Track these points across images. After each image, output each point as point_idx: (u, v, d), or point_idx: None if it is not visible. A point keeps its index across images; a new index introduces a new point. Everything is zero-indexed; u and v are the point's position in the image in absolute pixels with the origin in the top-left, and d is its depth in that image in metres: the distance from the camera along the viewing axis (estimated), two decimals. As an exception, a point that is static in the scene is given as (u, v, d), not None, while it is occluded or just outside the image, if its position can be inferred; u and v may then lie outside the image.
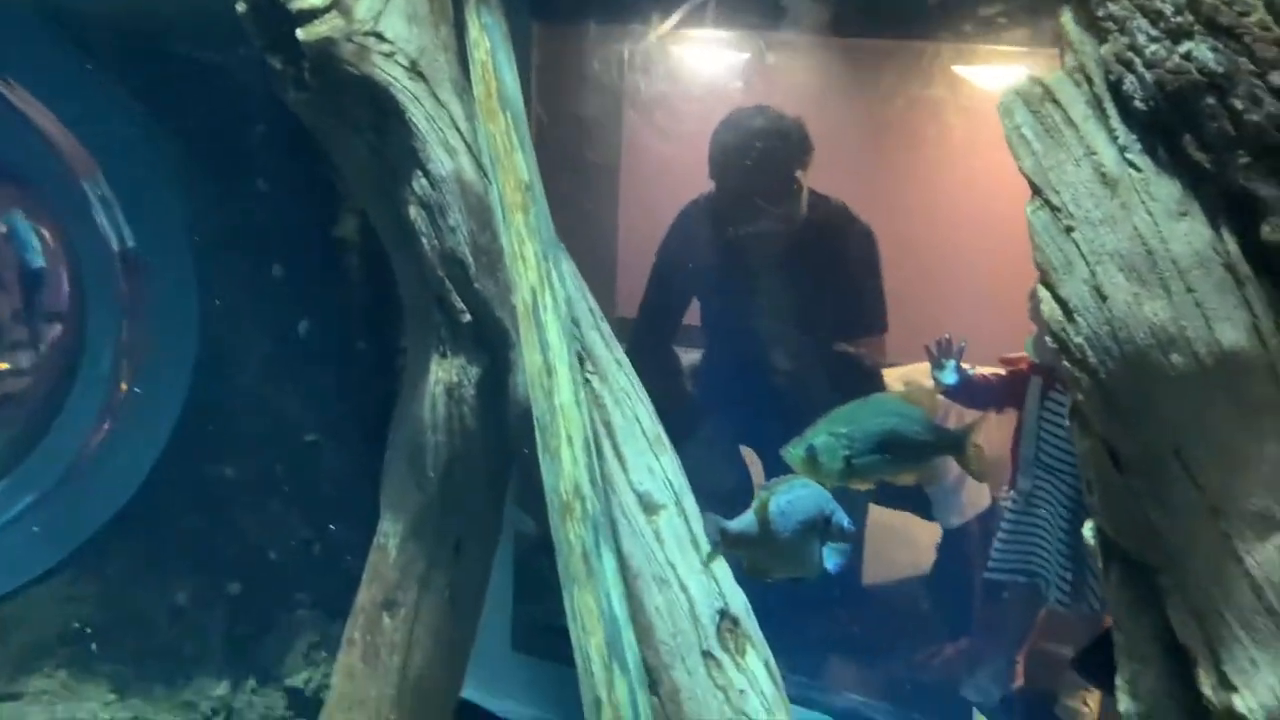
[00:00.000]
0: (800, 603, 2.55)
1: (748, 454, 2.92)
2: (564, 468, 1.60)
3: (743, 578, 1.81)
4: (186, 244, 2.34)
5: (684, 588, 1.77)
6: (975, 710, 1.68)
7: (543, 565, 2.81)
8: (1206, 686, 1.14)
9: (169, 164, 2.28)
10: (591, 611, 1.55)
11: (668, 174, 2.87)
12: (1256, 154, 1.01)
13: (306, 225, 2.35)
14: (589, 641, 1.55)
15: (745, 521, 1.56)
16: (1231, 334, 1.06)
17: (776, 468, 2.86)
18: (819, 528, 1.55)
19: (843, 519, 1.55)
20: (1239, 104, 1.00)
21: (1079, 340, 1.09)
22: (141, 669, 2.36)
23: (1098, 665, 1.45)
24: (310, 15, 1.61)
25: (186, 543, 2.42)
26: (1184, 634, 1.15)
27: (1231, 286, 1.05)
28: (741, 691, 1.74)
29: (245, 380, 2.40)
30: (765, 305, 2.67)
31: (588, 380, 1.78)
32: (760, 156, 2.48)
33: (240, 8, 1.67)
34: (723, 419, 2.82)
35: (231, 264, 2.36)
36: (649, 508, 1.81)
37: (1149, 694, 1.19)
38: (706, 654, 1.75)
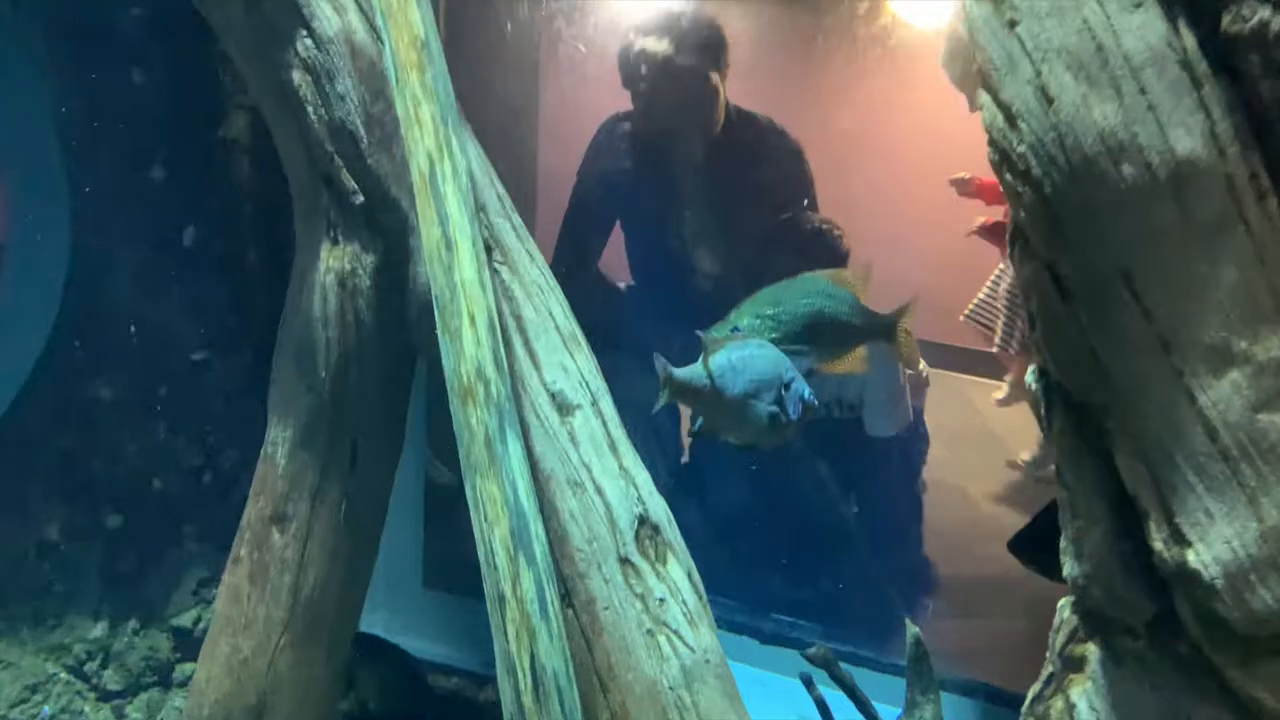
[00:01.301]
0: (723, 520, 2.47)
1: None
2: (465, 348, 1.46)
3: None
4: (55, 143, 2.13)
5: (600, 491, 1.64)
6: (908, 621, 1.58)
7: (457, 510, 2.70)
8: (1158, 541, 1.06)
9: (32, 53, 2.06)
10: (495, 500, 1.42)
11: (588, 98, 2.73)
12: (1218, -68, 0.92)
13: (190, 123, 2.15)
14: (492, 532, 1.41)
15: (692, 371, 1.44)
16: (1186, 141, 0.96)
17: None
18: (773, 391, 1.42)
19: (803, 388, 1.43)
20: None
21: (1022, 149, 0.98)
22: (6, 610, 2.15)
23: (1035, 546, 1.37)
24: None
25: (58, 470, 2.21)
26: (1132, 483, 1.06)
27: (1188, 87, 0.96)
28: (661, 600, 1.62)
29: (124, 292, 2.20)
30: (691, 222, 2.55)
31: (496, 271, 1.64)
32: (672, 56, 2.35)
33: None
34: (651, 343, 2.70)
35: (106, 165, 2.15)
36: (563, 408, 1.68)
37: (1095, 553, 1.10)
38: (624, 561, 1.63)
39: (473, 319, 1.47)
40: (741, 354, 1.43)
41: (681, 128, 2.43)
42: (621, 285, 2.84)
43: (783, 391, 1.43)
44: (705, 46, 2.38)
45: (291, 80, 1.59)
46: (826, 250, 2.23)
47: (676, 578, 1.64)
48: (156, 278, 2.21)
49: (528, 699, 1.36)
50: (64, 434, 2.22)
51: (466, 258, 1.49)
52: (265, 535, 1.80)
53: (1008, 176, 1.00)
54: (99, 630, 2.21)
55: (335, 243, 1.70)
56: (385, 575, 2.48)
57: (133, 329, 2.21)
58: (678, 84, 2.38)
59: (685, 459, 2.66)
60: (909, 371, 2.50)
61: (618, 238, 2.74)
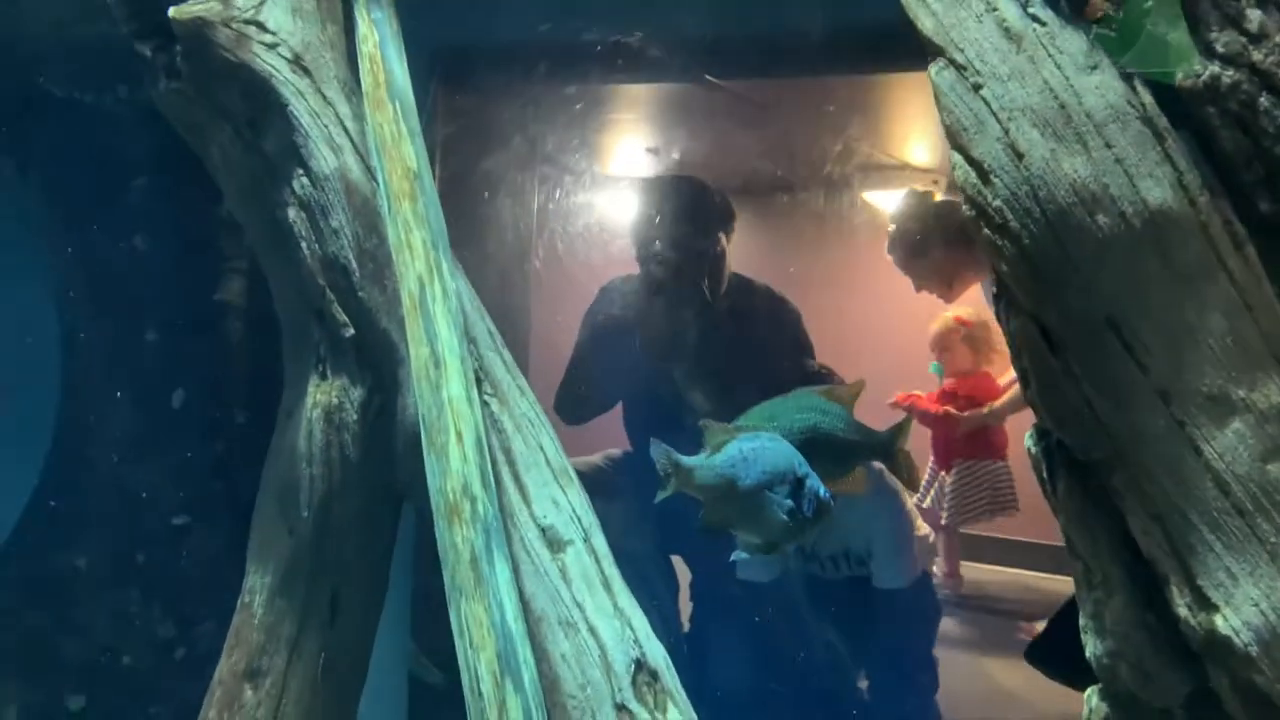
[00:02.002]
0: (727, 692, 2.33)
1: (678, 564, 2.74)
2: (451, 465, 1.43)
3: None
4: (50, 308, 2.16)
5: (594, 631, 1.56)
6: None
7: (447, 709, 2.56)
8: (1182, 607, 1.00)
9: (34, 220, 2.13)
10: (481, 623, 1.34)
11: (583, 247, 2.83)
12: (1162, -5, 0.98)
13: (187, 286, 2.20)
14: (478, 658, 1.33)
15: (701, 460, 1.38)
16: (1157, 191, 0.99)
17: (707, 575, 2.70)
18: (787, 486, 1.36)
19: (818, 485, 1.37)
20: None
21: (997, 203, 1.00)
22: (-42, 798, 1.99)
23: (1054, 652, 1.29)
24: (186, -3, 1.54)
25: (21, 648, 2.10)
26: (1147, 545, 1.02)
27: (1151, 141, 0.99)
28: (661, 751, 1.51)
29: (108, 456, 2.16)
30: (694, 381, 2.57)
31: (486, 403, 1.63)
32: (690, 226, 2.46)
33: (110, -9, 1.60)
34: (649, 524, 2.65)
35: (103, 330, 2.18)
36: (554, 544, 1.62)
37: (1117, 626, 1.04)
38: (621, 707, 1.52)
39: (460, 436, 1.45)
40: (753, 445, 1.40)
41: (690, 292, 2.50)
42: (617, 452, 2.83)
43: (797, 487, 1.38)
44: (716, 213, 2.48)
45: (287, 217, 1.64)
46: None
47: (677, 727, 1.54)
48: (142, 441, 2.19)
49: (515, 840, 1.24)
50: (32, 608, 2.13)
51: (455, 375, 1.48)
52: (238, 692, 1.69)
53: (985, 232, 1.01)
54: (49, 823, 2.03)
55: (324, 377, 1.69)
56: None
57: (113, 495, 2.15)
58: (691, 251, 2.47)
59: (686, 628, 2.56)
60: (918, 534, 2.45)
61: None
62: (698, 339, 2.59)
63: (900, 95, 2.61)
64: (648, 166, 3.03)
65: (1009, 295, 1.03)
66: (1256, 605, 0.97)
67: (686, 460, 1.39)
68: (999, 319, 1.06)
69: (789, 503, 1.37)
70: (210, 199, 2.19)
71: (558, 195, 2.81)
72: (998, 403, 3.05)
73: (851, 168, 2.90)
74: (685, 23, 2.00)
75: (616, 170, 3.01)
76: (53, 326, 2.14)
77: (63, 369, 2.15)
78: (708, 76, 2.15)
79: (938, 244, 2.55)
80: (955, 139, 1.02)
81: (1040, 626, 1.55)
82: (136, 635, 2.17)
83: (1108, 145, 0.99)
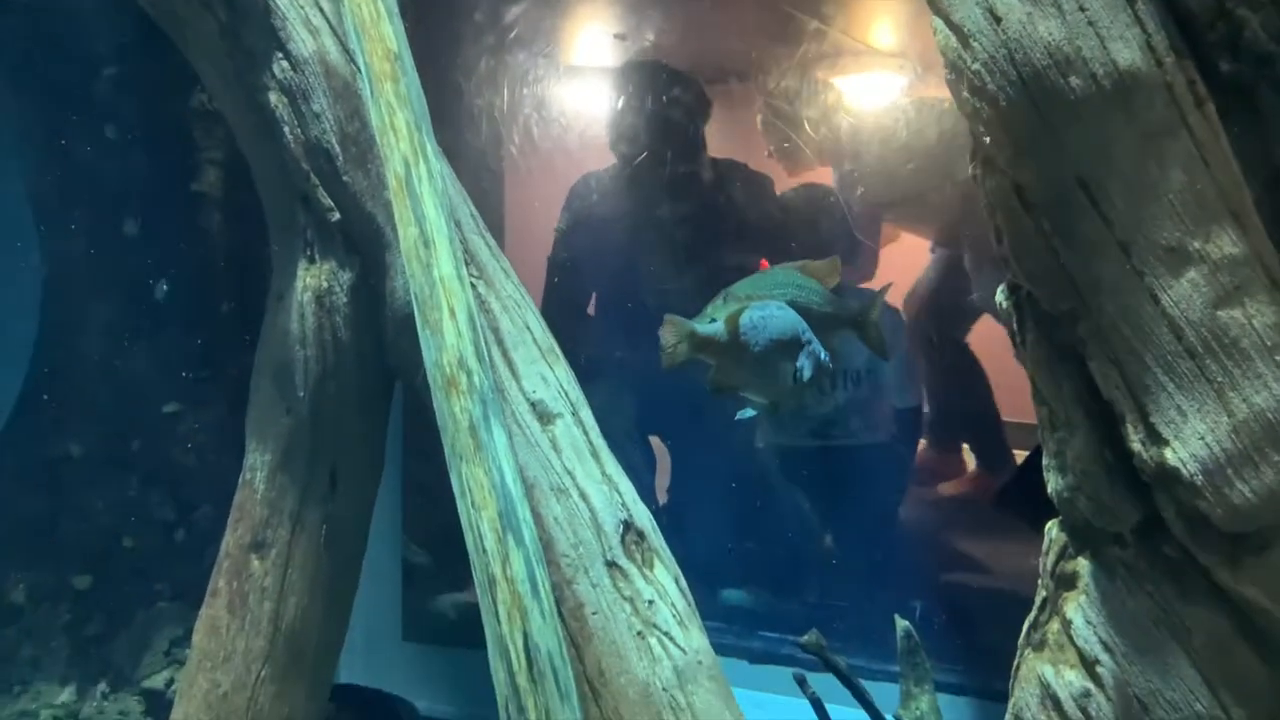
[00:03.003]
0: (705, 549, 2.45)
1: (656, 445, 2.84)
2: (447, 340, 1.48)
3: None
4: (26, 202, 2.16)
5: (584, 496, 1.65)
6: (897, 617, 1.59)
7: (433, 574, 2.67)
8: (1136, 442, 1.09)
9: (2, 110, 2.11)
10: (482, 484, 1.41)
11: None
12: None
13: (163, 178, 2.19)
14: (480, 517, 1.41)
15: (714, 327, 1.47)
16: (1126, 53, 1.03)
17: (686, 457, 2.80)
18: (792, 351, 1.47)
19: (819, 349, 1.48)
20: None
21: (976, 66, 1.05)
22: (-31, 676, 2.07)
23: (1023, 497, 1.39)
24: (156, -126, 1.51)
25: (25, 532, 2.16)
26: (1107, 387, 1.10)
27: (1122, 4, 1.04)
28: (650, 602, 1.62)
29: (94, 347, 2.19)
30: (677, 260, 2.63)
31: (473, 284, 1.67)
32: (668, 116, 2.48)
33: None
34: (628, 407, 2.73)
35: (79, 222, 2.18)
36: (543, 416, 1.70)
37: (1077, 462, 1.13)
38: (611, 564, 1.63)
39: (453, 312, 1.49)
40: (764, 313, 1.49)
41: (669, 176, 2.53)
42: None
43: (801, 351, 1.48)
44: (689, 97, 2.50)
45: (268, 102, 1.64)
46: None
47: (664, 581, 1.64)
48: (128, 332, 2.21)
49: (522, 679, 1.33)
50: (31, 494, 2.18)
51: (444, 255, 1.52)
52: (244, 563, 1.76)
53: (965, 94, 1.06)
54: (66, 695, 2.12)
55: (312, 261, 1.72)
56: (364, 628, 2.44)
57: (104, 384, 2.19)
58: (666, 137, 2.49)
59: (663, 501, 2.67)
60: None
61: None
62: (678, 221, 2.63)
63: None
64: (617, 53, 3.01)
65: (985, 156, 1.08)
66: (1202, 439, 1.06)
67: (700, 327, 1.48)
68: (974, 178, 1.12)
69: (793, 365, 1.46)
70: (182, 90, 2.18)
71: (529, 82, 2.80)
72: None
73: (820, 52, 2.90)
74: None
75: (586, 57, 2.99)
76: (29, 221, 2.14)
77: (43, 262, 2.15)
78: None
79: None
80: (936, 4, 1.06)
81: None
82: (136, 518, 2.24)
83: (1081, 8, 1.03)
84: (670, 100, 2.58)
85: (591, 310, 2.86)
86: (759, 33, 2.76)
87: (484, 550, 1.39)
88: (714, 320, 1.58)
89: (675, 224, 2.65)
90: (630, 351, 2.66)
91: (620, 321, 2.79)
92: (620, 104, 2.64)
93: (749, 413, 1.58)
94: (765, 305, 1.50)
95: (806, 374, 1.47)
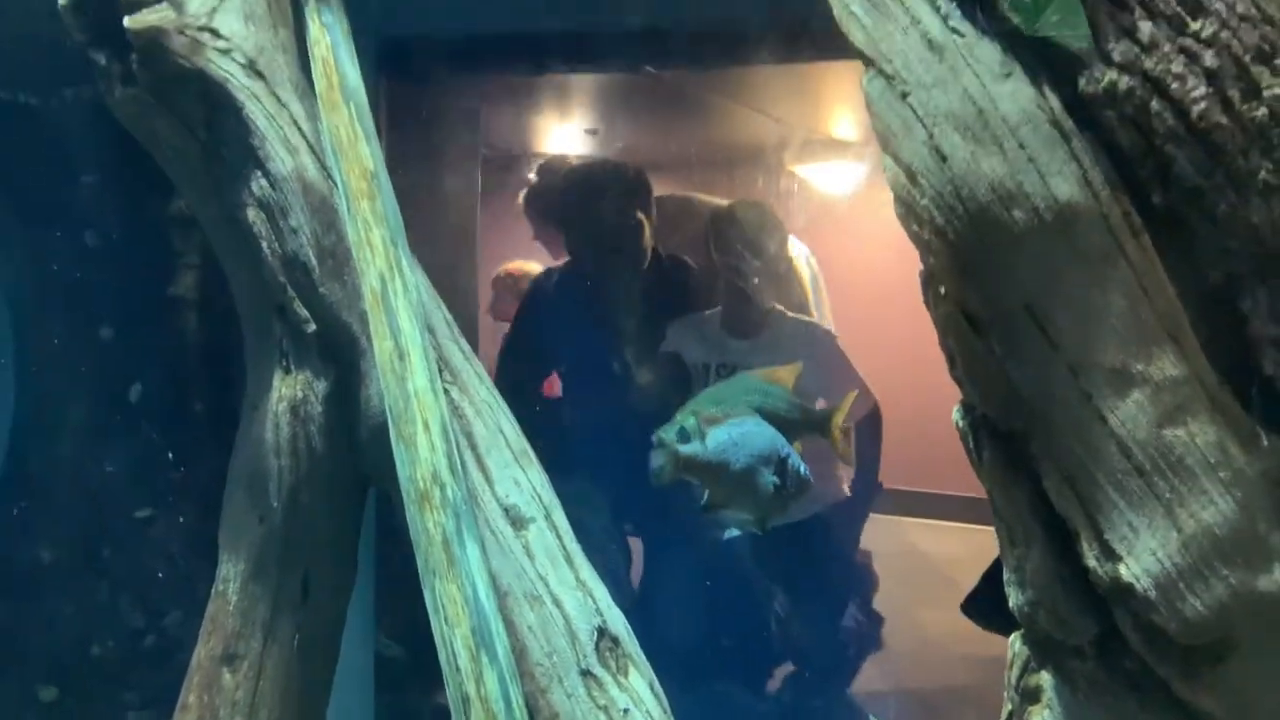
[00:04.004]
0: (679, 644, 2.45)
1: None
2: (420, 454, 1.51)
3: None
4: (4, 307, 2.18)
5: (558, 603, 1.66)
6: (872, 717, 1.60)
7: (407, 678, 2.65)
8: (1091, 559, 1.12)
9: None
10: (455, 600, 1.43)
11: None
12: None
13: (140, 282, 2.22)
14: (454, 634, 1.42)
15: (696, 448, 1.51)
16: (1065, 187, 1.09)
17: (657, 541, 2.81)
18: (772, 465, 1.51)
19: (799, 462, 1.52)
20: (1043, -16, 1.08)
21: (924, 202, 1.10)
22: (-69, 793, 2.03)
23: (987, 605, 1.41)
24: (138, 5, 1.57)
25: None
26: (1061, 504, 1.13)
27: (1059, 141, 1.10)
28: (625, 710, 1.62)
29: (68, 451, 2.20)
30: (626, 360, 2.68)
31: (446, 390, 1.70)
32: (607, 200, 2.56)
33: (61, 1, 1.62)
34: (601, 498, 2.76)
35: (56, 327, 2.20)
36: (516, 522, 1.71)
37: (1035, 578, 1.16)
38: (586, 673, 1.63)
39: (426, 425, 1.52)
40: (741, 430, 1.53)
41: (612, 263, 2.60)
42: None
43: (781, 464, 1.52)
44: (631, 189, 2.59)
45: (246, 218, 1.69)
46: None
47: (639, 688, 1.64)
48: (102, 436, 2.22)
49: (496, 797, 1.33)
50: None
51: (419, 367, 1.55)
52: (215, 676, 1.75)
53: (914, 228, 1.11)
54: (31, 811, 2.08)
55: (287, 371, 1.75)
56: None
57: (75, 488, 2.19)
58: (607, 220, 2.58)
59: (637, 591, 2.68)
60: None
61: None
62: (624, 312, 2.71)
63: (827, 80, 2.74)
64: (587, 148, 3.12)
65: (935, 285, 1.13)
66: (1154, 554, 1.09)
67: (683, 448, 1.52)
68: (927, 305, 1.16)
69: (776, 480, 1.50)
70: (159, 195, 2.22)
71: (500, 178, 2.89)
72: None
73: (781, 144, 3.02)
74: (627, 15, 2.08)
75: (557, 153, 3.09)
76: (7, 325, 2.16)
77: (17, 366, 2.17)
78: (647, 68, 2.24)
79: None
80: (885, 143, 1.11)
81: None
82: (105, 625, 2.22)
83: (1021, 146, 1.09)
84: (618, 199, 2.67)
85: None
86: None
87: (458, 669, 1.40)
88: (682, 428, 1.62)
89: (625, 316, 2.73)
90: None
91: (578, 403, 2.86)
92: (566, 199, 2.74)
93: (735, 532, 1.63)
94: (742, 421, 1.55)
95: (792, 487, 1.51)
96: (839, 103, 3.05)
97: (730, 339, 2.63)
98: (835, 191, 3.55)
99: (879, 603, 2.82)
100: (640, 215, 2.61)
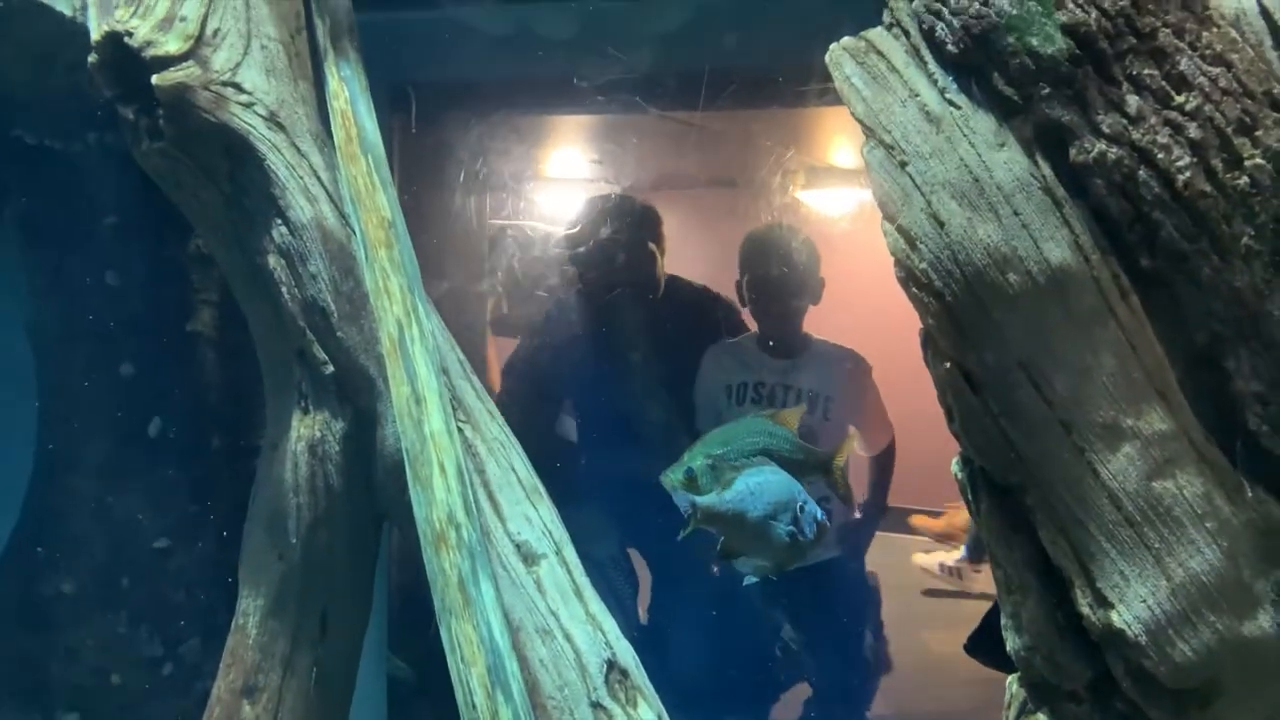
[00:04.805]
0: (685, 674, 2.50)
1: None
2: (436, 495, 1.56)
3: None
4: (26, 346, 2.23)
5: (569, 638, 1.71)
6: None
7: (417, 701, 2.69)
8: (1084, 606, 1.17)
9: (9, 256, 2.20)
10: (471, 640, 1.48)
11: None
12: (1054, 84, 1.13)
13: (159, 319, 2.28)
14: (470, 673, 1.46)
15: (714, 499, 1.56)
16: (1057, 252, 1.15)
17: (666, 571, 2.86)
18: (789, 513, 1.55)
19: (815, 510, 1.57)
20: (1034, 41, 1.13)
21: (923, 266, 1.16)
22: (-44, 820, 2.07)
23: (989, 644, 1.46)
24: (165, 63, 1.62)
25: (14, 672, 2.18)
26: (1056, 554, 1.18)
27: (1051, 208, 1.15)
28: (634, 742, 1.66)
29: (88, 485, 2.24)
30: (639, 389, 2.74)
31: (460, 430, 1.75)
32: (617, 233, 2.62)
33: (91, 58, 1.67)
34: (607, 522, 2.80)
35: (78, 364, 2.25)
36: (528, 558, 1.76)
37: (1032, 623, 1.21)
38: (596, 705, 1.68)
39: (442, 467, 1.57)
40: (759, 480, 1.58)
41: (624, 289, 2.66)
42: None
43: (798, 513, 1.56)
44: (641, 223, 2.65)
45: (267, 264, 1.74)
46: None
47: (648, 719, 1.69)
48: (121, 469, 2.27)
49: (512, 833, 1.38)
50: (22, 632, 2.20)
51: (435, 411, 1.60)
52: (235, 709, 1.80)
53: (913, 290, 1.17)
54: (53, 838, 2.12)
55: (306, 412, 1.80)
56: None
57: (96, 522, 2.23)
58: (620, 253, 2.64)
59: (644, 620, 2.73)
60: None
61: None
62: (637, 336, 2.76)
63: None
64: (594, 179, 3.18)
65: (934, 344, 1.18)
66: (1145, 602, 1.14)
67: (702, 500, 1.57)
68: (926, 363, 1.22)
69: (791, 528, 1.55)
70: (178, 235, 2.28)
71: (507, 213, 2.95)
72: None
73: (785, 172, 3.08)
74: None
75: (565, 188, 3.16)
76: (29, 361, 2.21)
77: (40, 402, 2.22)
78: (651, 109, 2.30)
79: None
80: (885, 210, 1.17)
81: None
82: (124, 654, 2.26)
83: (1015, 213, 1.15)
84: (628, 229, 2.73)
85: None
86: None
87: (473, 706, 1.44)
88: (689, 469, 1.66)
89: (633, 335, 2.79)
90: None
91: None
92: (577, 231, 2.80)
93: (753, 579, 1.67)
94: (760, 471, 1.60)
95: (807, 535, 1.56)
96: (839, 134, 3.11)
97: (770, 359, 2.66)
98: (837, 216, 3.62)
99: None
100: (652, 246, 2.68)
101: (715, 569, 2.60)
